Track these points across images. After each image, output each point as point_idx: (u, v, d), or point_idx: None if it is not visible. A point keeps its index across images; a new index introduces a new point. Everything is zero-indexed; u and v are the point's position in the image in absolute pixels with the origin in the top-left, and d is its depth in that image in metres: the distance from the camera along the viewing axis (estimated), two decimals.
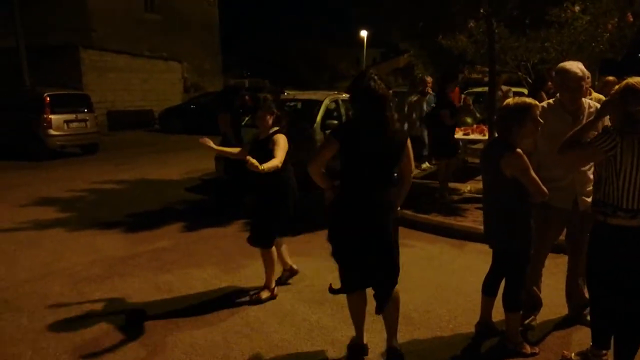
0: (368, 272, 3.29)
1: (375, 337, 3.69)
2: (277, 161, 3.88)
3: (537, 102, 3.26)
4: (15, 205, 7.73)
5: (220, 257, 5.44)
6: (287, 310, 4.19)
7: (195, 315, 4.08)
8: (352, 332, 3.65)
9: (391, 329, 3.42)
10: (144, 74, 21.91)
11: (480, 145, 11.11)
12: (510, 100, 3.25)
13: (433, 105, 10.18)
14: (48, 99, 12.28)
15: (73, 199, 8.22)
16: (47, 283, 4.74)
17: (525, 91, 15.06)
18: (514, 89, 12.04)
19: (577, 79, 3.47)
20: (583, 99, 3.64)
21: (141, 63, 22.03)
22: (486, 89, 12.98)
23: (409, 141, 3.15)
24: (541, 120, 3.20)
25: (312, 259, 5.14)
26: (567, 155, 3.03)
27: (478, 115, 11.04)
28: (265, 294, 4.35)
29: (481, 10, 6.70)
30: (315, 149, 3.59)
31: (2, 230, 6.45)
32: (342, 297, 4.07)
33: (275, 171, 3.90)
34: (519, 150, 3.12)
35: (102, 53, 19.97)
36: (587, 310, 3.83)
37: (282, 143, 4.05)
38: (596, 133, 3.28)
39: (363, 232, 3.17)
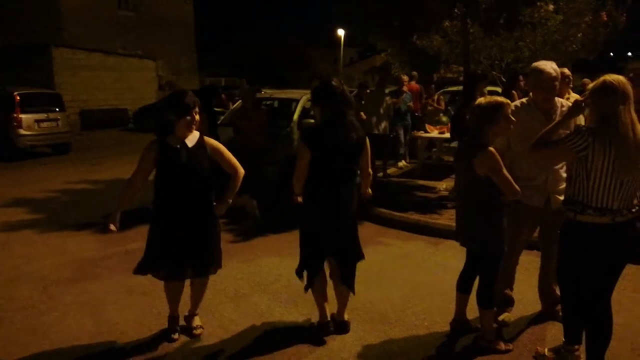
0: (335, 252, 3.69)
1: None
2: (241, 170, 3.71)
3: (508, 101, 3.28)
4: None
5: None
6: (263, 311, 4.15)
7: (167, 318, 4.00)
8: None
9: (343, 304, 3.80)
10: (118, 72, 21.59)
11: (455, 144, 11.23)
12: (482, 99, 3.27)
13: (410, 104, 10.27)
14: (18, 98, 11.99)
15: (44, 199, 8.03)
16: (16, 287, 4.61)
17: (499, 90, 15.31)
18: (488, 88, 12.16)
19: (550, 78, 3.50)
20: (556, 98, 3.68)
21: (115, 61, 21.69)
22: (461, 87, 13.15)
23: (367, 139, 3.60)
24: (513, 119, 3.22)
25: (292, 259, 5.08)
26: (538, 154, 3.05)
27: (452, 113, 11.15)
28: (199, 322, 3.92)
29: (456, 10, 6.74)
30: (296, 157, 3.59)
31: None
32: (311, 297, 4.08)
33: None
34: (491, 148, 3.13)
35: (74, 51, 19.60)
36: (560, 306, 3.90)
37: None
38: (567, 132, 3.33)
39: (332, 221, 3.56)
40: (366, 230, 6.36)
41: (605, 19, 9.89)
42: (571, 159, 2.85)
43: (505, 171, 3.13)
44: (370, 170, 3.82)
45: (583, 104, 2.95)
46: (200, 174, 3.53)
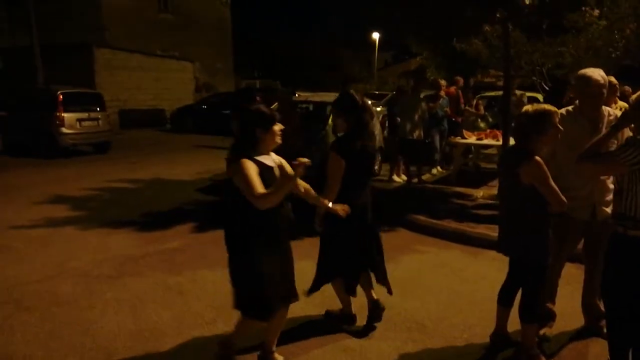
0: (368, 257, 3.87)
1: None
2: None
3: (556, 109, 3.20)
4: (27, 203, 7.75)
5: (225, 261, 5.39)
6: (297, 314, 4.13)
7: (204, 318, 4.05)
8: (364, 340, 3.66)
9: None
10: (157, 73, 22.03)
11: (492, 150, 11.04)
12: (529, 107, 3.19)
13: (446, 109, 10.13)
14: (61, 97, 12.33)
15: (85, 197, 8.24)
16: (58, 282, 4.74)
17: (540, 96, 14.99)
18: (528, 94, 11.96)
19: (598, 85, 3.40)
20: (603, 107, 3.57)
21: (154, 62, 22.15)
22: (499, 93, 12.91)
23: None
24: (561, 128, 3.14)
25: None
26: (586, 166, 2.96)
27: (490, 119, 10.96)
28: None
29: (497, 15, 6.62)
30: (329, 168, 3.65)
31: (14, 227, 6.47)
32: (359, 305, 4.07)
33: None
34: (538, 158, 3.06)
35: (115, 52, 20.09)
36: (604, 321, 3.77)
37: None
38: (616, 142, 3.22)
39: (368, 228, 3.82)
40: (402, 238, 6.33)
41: None
42: (622, 172, 2.75)
43: (551, 182, 3.04)
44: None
45: (630, 117, 2.85)
46: None
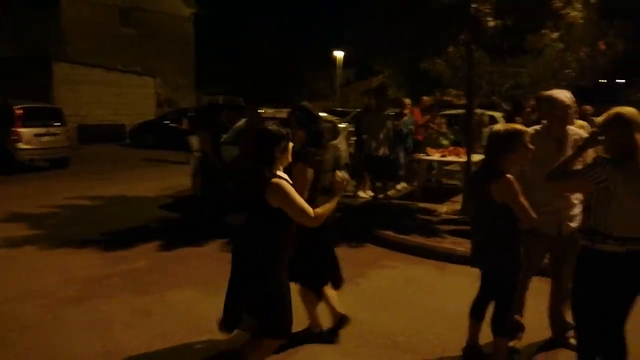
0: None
1: None
2: None
3: (526, 129, 3.31)
4: None
5: (199, 279, 5.31)
6: None
7: (175, 339, 3.96)
8: (338, 357, 3.65)
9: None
10: (117, 88, 21.64)
11: (454, 167, 11.29)
12: (500, 126, 3.30)
13: (411, 127, 10.33)
14: (19, 112, 11.96)
15: (45, 215, 7.96)
16: (20, 305, 4.55)
17: (498, 114, 15.44)
18: (488, 112, 12.34)
19: (564, 106, 3.55)
20: (568, 126, 3.72)
21: (115, 77, 21.76)
22: (458, 111, 13.25)
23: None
24: (531, 147, 3.25)
25: None
26: (556, 184, 3.08)
27: (452, 137, 11.24)
28: None
29: (462, 37, 6.83)
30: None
31: None
32: (325, 323, 4.07)
33: None
34: (509, 176, 3.15)
35: (75, 66, 19.66)
36: (570, 333, 3.88)
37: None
38: (583, 161, 3.36)
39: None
40: (369, 253, 6.38)
41: (604, 47, 10.04)
42: (590, 190, 2.87)
43: (522, 198, 3.14)
44: None
45: (599, 137, 2.98)
46: None
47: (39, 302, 4.60)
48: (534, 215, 3.16)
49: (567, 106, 3.58)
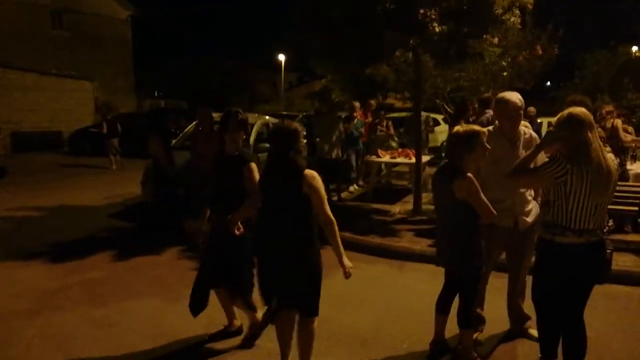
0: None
1: None
2: None
3: (484, 130, 3.49)
4: None
5: (158, 288, 5.21)
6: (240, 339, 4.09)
7: (142, 349, 3.88)
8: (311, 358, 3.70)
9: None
10: (53, 92, 20.74)
11: (403, 168, 11.60)
12: (459, 128, 3.45)
13: (361, 129, 10.53)
14: None
15: None
16: None
17: (439, 117, 15.94)
18: (432, 115, 12.77)
19: (516, 108, 3.76)
20: (520, 126, 3.94)
21: (50, 81, 20.83)
22: (402, 114, 13.63)
23: None
24: (488, 147, 3.42)
25: None
26: (517, 181, 3.27)
27: (397, 139, 11.55)
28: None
29: (410, 42, 7.04)
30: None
31: None
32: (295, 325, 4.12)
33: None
34: (469, 175, 3.31)
35: (6, 71, 18.67)
36: (529, 324, 4.11)
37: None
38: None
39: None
40: (329, 254, 6.40)
41: (541, 52, 10.65)
42: (549, 185, 3.05)
43: (482, 195, 3.31)
44: None
45: (554, 136, 3.17)
46: None
47: None
48: (493, 210, 3.33)
49: (519, 107, 3.80)
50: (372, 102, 11.93)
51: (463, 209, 3.36)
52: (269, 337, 3.89)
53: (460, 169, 3.37)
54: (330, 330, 4.16)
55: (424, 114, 11.25)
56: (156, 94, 39.57)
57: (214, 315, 4.31)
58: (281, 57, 37.01)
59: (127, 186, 10.75)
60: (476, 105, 8.73)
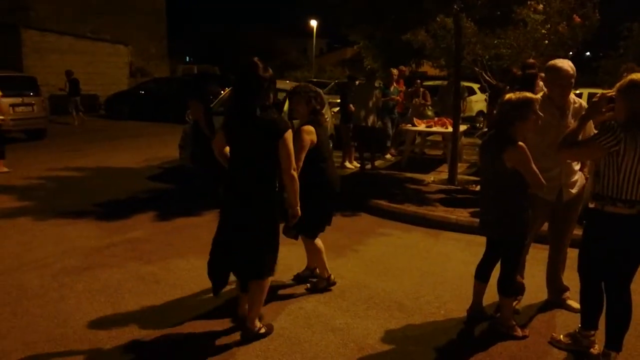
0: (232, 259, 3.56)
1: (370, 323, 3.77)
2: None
3: (537, 97, 3.42)
4: None
5: (200, 247, 5.31)
6: (279, 300, 4.19)
7: (188, 305, 4.03)
8: (349, 319, 3.79)
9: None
10: (89, 56, 21.01)
11: (436, 137, 11.48)
12: (511, 95, 3.39)
13: (397, 97, 10.42)
14: None
15: (31, 187, 7.82)
16: (22, 275, 4.51)
17: (475, 85, 15.59)
18: (466, 84, 12.50)
19: (568, 76, 3.67)
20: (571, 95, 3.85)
21: (85, 45, 21.10)
22: (436, 82, 13.37)
23: (288, 133, 3.26)
24: (541, 114, 3.37)
25: (297, 247, 5.11)
26: (568, 152, 3.22)
27: (431, 108, 11.40)
28: (322, 284, 4.35)
29: (455, 7, 6.87)
30: None
31: None
32: (339, 287, 4.24)
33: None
34: (521, 143, 3.27)
35: (44, 34, 18.97)
36: (566, 294, 4.11)
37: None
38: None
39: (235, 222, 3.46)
40: (365, 222, 6.52)
41: (578, 20, 10.25)
42: (600, 156, 3.00)
43: (533, 165, 3.27)
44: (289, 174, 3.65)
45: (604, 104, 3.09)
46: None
47: (40, 272, 4.57)
48: (543, 180, 3.30)
49: (571, 75, 3.70)
50: (404, 68, 11.70)
51: (512, 178, 3.34)
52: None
53: (511, 137, 3.32)
54: (367, 295, 4.25)
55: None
56: (188, 60, 39.68)
57: None
58: (313, 23, 36.51)
59: (164, 149, 10.95)
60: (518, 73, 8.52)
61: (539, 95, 3.91)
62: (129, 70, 23.82)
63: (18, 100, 11.97)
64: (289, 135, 3.22)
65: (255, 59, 3.27)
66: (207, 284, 4.34)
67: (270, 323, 3.70)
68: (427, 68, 19.88)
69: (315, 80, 22.38)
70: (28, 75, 14.47)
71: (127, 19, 24.73)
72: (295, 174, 3.34)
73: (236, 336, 3.55)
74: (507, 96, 3.42)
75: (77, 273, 4.61)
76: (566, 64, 3.72)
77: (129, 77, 23.48)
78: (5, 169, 8.76)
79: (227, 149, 3.42)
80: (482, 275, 3.78)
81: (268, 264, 3.46)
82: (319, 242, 4.32)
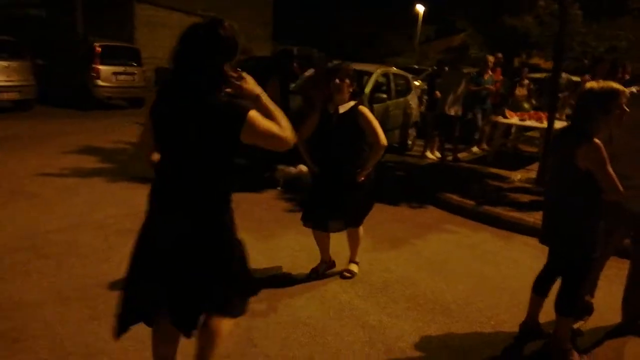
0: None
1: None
2: (383, 140, 3.86)
3: (624, 89, 2.88)
4: (57, 152, 7.74)
5: (253, 224, 5.25)
6: (316, 286, 3.97)
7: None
8: (384, 317, 3.49)
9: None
10: None
11: (534, 133, 10.57)
12: (594, 84, 2.88)
13: (491, 86, 9.69)
14: (98, 49, 12.30)
15: (114, 150, 8.21)
16: (79, 233, 4.68)
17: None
18: (573, 78, 11.32)
19: None
20: None
21: (194, 22, 21.86)
22: (543, 75, 12.31)
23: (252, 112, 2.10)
24: (627, 109, 2.83)
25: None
26: None
27: (534, 102, 10.48)
28: (355, 268, 4.22)
29: None
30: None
31: (43, 174, 6.45)
32: (371, 281, 3.95)
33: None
34: (597, 141, 2.76)
35: (156, 8, 19.94)
36: None
37: (373, 117, 3.88)
38: None
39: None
40: (430, 215, 6.11)
41: None
42: None
43: (609, 167, 2.75)
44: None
45: None
46: (346, 138, 3.83)
47: (96, 233, 4.71)
48: (620, 187, 2.77)
49: None
50: (499, 55, 10.80)
51: (584, 180, 2.83)
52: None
53: (588, 132, 2.82)
54: (412, 293, 3.91)
55: (564, 75, 10.05)
56: (291, 42, 40.15)
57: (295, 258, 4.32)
58: (420, 8, 35.40)
59: None
60: (629, 70, 7.59)
61: (633, 88, 3.34)
62: None
63: (120, 69, 12.65)
64: (253, 113, 2.10)
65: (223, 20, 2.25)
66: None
67: None
68: (539, 60, 18.57)
69: (416, 67, 21.68)
70: (133, 46, 15.25)
71: (237, 2, 25.44)
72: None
73: (255, 322, 3.38)
74: (589, 85, 2.90)
75: (129, 236, 4.66)
76: None
77: None
78: None
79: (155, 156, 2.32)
80: (540, 288, 3.31)
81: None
82: (361, 229, 4.09)
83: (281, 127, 2.17)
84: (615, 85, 2.86)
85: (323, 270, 4.17)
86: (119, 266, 4.00)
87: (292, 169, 6.68)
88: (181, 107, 2.12)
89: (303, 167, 6.35)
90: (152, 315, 2.34)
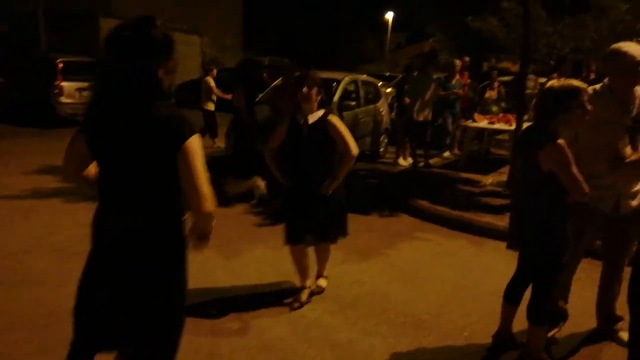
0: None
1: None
2: (354, 149, 3.65)
3: (586, 86, 2.80)
4: (19, 172, 7.44)
5: (219, 240, 5.03)
6: (284, 304, 3.81)
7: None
8: (354, 334, 3.34)
9: None
10: None
11: (504, 136, 10.59)
12: (555, 82, 2.80)
13: (459, 90, 9.68)
14: (61, 65, 11.96)
15: None
16: (33, 257, 4.44)
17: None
18: (541, 80, 11.40)
19: (634, 64, 2.99)
20: (637, 87, 3.17)
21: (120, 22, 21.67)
22: (510, 78, 12.41)
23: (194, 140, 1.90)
24: (589, 107, 2.75)
25: None
26: (624, 172, 2.62)
27: (503, 104, 10.51)
28: (324, 283, 4.06)
29: None
30: None
31: (1, 196, 6.18)
32: (340, 295, 3.82)
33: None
34: (561, 141, 2.67)
35: (120, 22, 19.67)
36: (619, 325, 3.43)
37: (344, 126, 3.69)
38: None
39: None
40: (403, 223, 5.99)
41: None
42: None
43: (574, 168, 2.66)
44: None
45: None
46: (315, 148, 3.64)
47: (51, 256, 4.47)
48: (586, 187, 2.68)
49: (638, 63, 3.02)
50: (466, 59, 10.82)
51: (548, 181, 2.74)
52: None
53: (551, 132, 2.73)
54: (383, 307, 3.78)
55: (532, 76, 10.10)
56: (262, 52, 39.98)
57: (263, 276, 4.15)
58: (389, 15, 35.68)
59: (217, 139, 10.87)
60: (594, 69, 7.64)
61: (597, 86, 3.28)
62: (202, 61, 24.29)
63: (85, 84, 12.31)
64: (194, 143, 1.88)
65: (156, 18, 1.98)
66: (210, 282, 4.08)
67: None
68: (508, 64, 18.78)
69: (387, 74, 21.72)
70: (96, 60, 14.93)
71: (204, 9, 25.21)
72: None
73: (220, 345, 3.20)
74: (550, 84, 2.82)
75: (84, 259, 4.46)
76: (632, 48, 3.04)
77: (202, 67, 23.95)
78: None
79: (93, 170, 2.10)
80: (511, 296, 3.20)
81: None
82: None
83: (204, 193, 1.94)
84: (576, 83, 2.78)
85: (308, 299, 3.85)
86: (74, 293, 3.79)
87: (243, 183, 6.51)
88: (113, 121, 1.91)
89: (258, 180, 6.20)
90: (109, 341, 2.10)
